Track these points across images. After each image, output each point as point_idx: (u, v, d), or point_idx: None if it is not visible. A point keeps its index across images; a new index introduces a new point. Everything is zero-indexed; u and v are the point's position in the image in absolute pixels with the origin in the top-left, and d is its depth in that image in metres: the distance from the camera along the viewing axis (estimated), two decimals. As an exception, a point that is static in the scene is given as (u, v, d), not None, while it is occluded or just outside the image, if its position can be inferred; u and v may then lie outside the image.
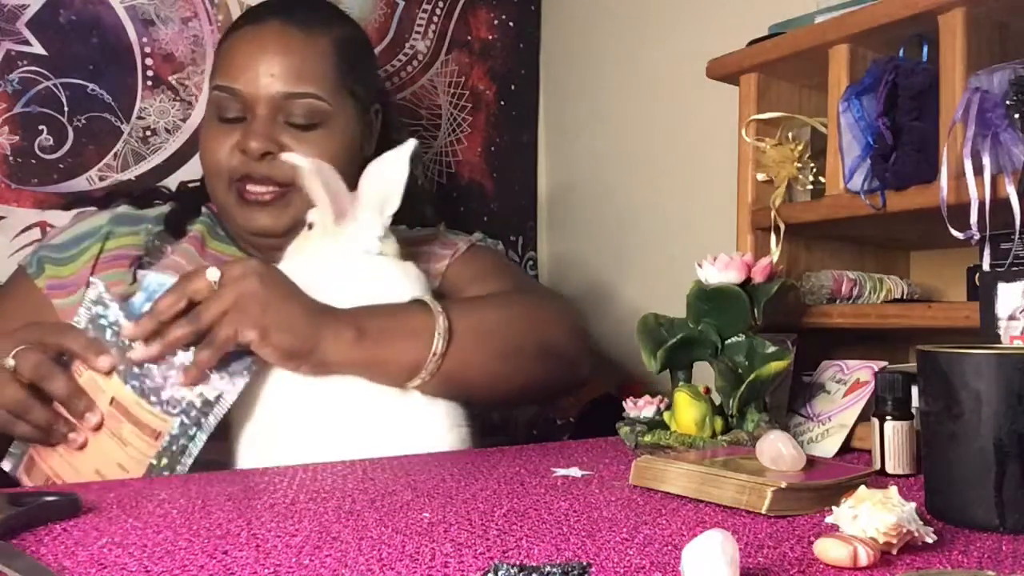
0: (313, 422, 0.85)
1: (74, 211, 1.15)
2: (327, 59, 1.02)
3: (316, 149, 0.99)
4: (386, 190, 0.92)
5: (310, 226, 0.94)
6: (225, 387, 0.80)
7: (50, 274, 1.02)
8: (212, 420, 0.80)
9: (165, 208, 1.10)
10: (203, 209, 1.11)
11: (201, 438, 0.80)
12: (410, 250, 1.10)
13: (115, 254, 1.04)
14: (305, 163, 0.88)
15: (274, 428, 0.85)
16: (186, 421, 0.79)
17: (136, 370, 0.79)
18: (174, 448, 0.79)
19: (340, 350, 0.83)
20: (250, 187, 1.00)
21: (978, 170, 0.72)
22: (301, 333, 0.81)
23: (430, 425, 0.88)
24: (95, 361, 0.78)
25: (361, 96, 1.08)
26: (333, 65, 1.02)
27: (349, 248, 0.91)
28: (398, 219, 1.20)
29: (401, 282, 0.92)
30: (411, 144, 0.93)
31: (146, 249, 1.04)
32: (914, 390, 0.69)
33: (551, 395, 0.96)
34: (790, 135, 0.94)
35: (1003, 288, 0.68)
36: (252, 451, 0.85)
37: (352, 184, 1.02)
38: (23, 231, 1.22)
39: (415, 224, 1.19)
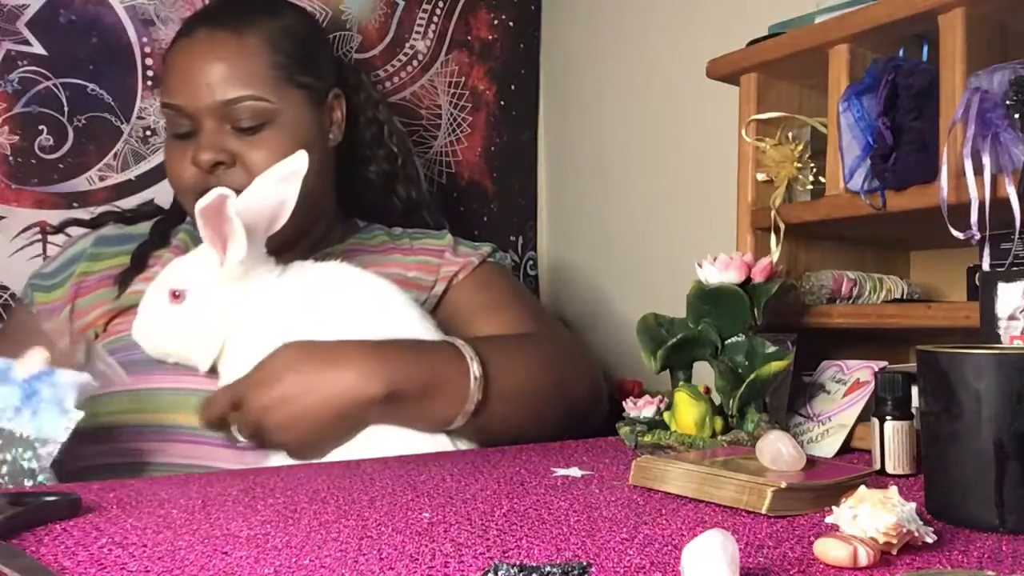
0: None
1: (67, 231, 1.18)
2: (261, 57, 0.99)
3: (267, 150, 0.97)
4: (275, 213, 0.89)
5: (176, 295, 0.87)
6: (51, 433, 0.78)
7: (39, 300, 1.05)
8: (46, 465, 0.77)
9: (156, 220, 1.11)
10: (187, 217, 1.10)
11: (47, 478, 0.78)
12: (415, 257, 1.09)
13: (101, 275, 1.05)
14: (231, 194, 0.84)
15: None
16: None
17: None
18: None
19: (371, 418, 0.84)
20: None
21: (978, 170, 0.72)
22: (317, 443, 0.83)
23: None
24: None
25: (311, 85, 1.04)
26: (269, 62, 1.00)
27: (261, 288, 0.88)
28: (397, 222, 1.20)
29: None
30: (297, 159, 0.89)
31: (132, 261, 1.05)
32: (914, 390, 0.69)
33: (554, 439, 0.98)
34: (790, 135, 0.94)
35: (1003, 288, 0.68)
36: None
37: (318, 175, 1.00)
38: (23, 231, 1.22)
39: (413, 227, 1.19)
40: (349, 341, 0.85)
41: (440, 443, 0.87)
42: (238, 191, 0.91)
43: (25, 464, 0.77)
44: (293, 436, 0.82)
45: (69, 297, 1.04)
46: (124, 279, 1.03)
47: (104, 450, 0.89)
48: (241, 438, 0.83)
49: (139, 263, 1.05)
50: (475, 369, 0.86)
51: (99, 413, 0.90)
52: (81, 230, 1.16)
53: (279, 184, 0.89)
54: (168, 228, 1.10)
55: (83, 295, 1.04)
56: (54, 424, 0.78)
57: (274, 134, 0.99)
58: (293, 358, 0.83)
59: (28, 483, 0.76)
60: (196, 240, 1.06)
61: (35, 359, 0.80)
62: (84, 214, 1.22)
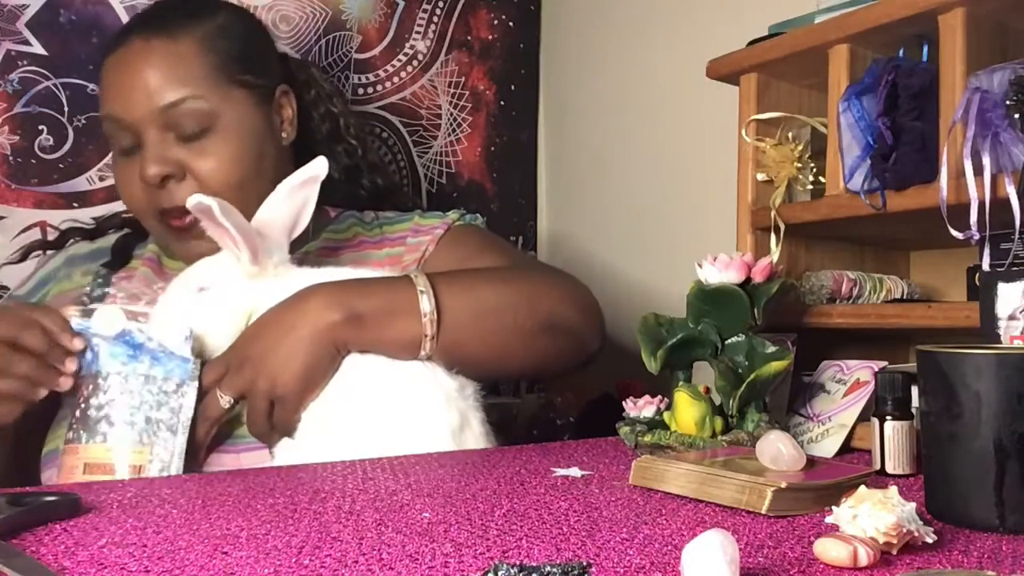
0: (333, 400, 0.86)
1: (34, 255, 1.15)
2: (198, 58, 0.95)
3: (214, 158, 0.94)
4: (295, 217, 0.91)
5: (201, 290, 0.89)
6: (180, 401, 0.82)
7: None
8: (182, 435, 0.81)
9: (118, 236, 1.09)
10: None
11: (180, 449, 0.81)
12: (384, 250, 1.07)
13: (68, 296, 1.02)
14: (213, 203, 0.83)
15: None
16: (159, 445, 0.80)
17: (96, 424, 0.80)
18: (162, 469, 0.81)
19: (340, 342, 0.85)
20: (172, 221, 0.96)
21: (978, 170, 0.72)
22: (301, 379, 0.84)
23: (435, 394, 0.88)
24: (68, 341, 0.79)
25: (254, 84, 1.00)
26: (207, 63, 0.96)
27: (271, 285, 0.89)
28: (375, 207, 1.16)
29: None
30: (317, 165, 0.91)
31: (93, 284, 1.02)
32: (914, 390, 0.69)
33: (562, 370, 0.95)
34: (790, 135, 0.94)
35: (1003, 288, 0.68)
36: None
37: (274, 176, 0.97)
38: (23, 231, 1.22)
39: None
40: (311, 285, 0.88)
41: (429, 370, 0.88)
42: None
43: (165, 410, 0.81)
44: (282, 382, 0.83)
45: None
46: (89, 300, 1.00)
47: None
48: (224, 398, 0.84)
49: (104, 281, 1.02)
50: (421, 284, 0.88)
51: None
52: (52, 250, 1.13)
53: (298, 189, 0.91)
54: (130, 243, 1.07)
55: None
56: (181, 368, 0.83)
57: (219, 138, 0.95)
58: (264, 317, 0.87)
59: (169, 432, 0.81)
60: (166, 250, 1.04)
61: (113, 314, 0.82)
62: (83, 215, 1.21)
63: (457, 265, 1.00)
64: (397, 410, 0.86)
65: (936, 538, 0.50)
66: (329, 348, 0.85)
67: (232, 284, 0.89)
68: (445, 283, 0.90)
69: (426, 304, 0.87)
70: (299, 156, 1.09)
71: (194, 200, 0.83)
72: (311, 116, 1.14)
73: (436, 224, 1.07)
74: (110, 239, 1.09)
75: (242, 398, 0.85)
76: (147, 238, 1.07)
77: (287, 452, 0.85)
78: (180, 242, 0.97)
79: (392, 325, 0.86)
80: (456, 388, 0.88)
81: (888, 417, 0.72)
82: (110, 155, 1.26)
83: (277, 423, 0.85)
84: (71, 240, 1.11)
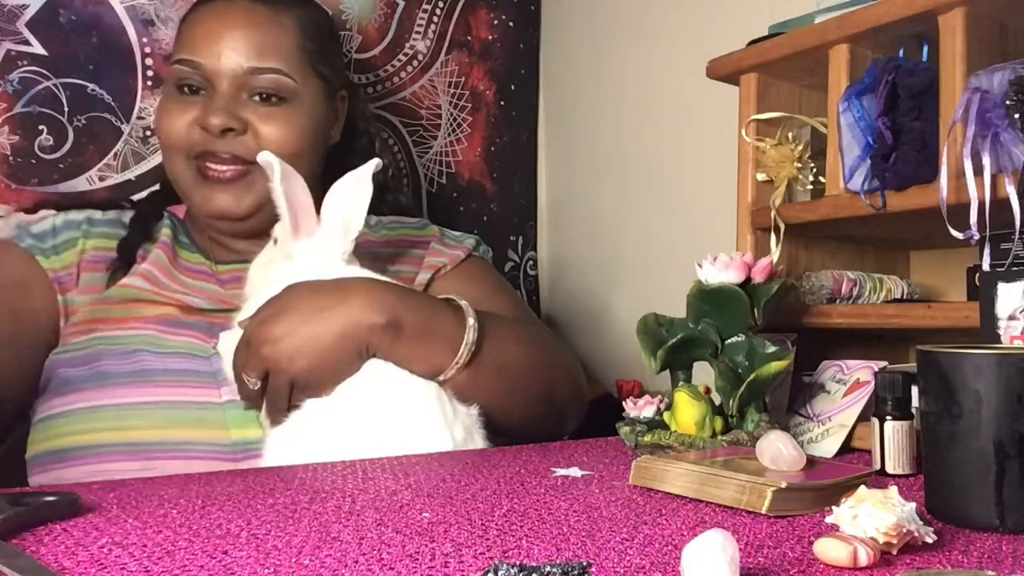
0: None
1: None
2: (292, 37, 1.01)
3: (281, 126, 0.98)
4: (348, 213, 0.91)
5: (275, 241, 0.93)
6: None
7: (44, 265, 0.98)
8: None
9: (130, 213, 1.08)
10: (164, 213, 1.08)
11: None
12: (393, 249, 1.08)
13: (93, 255, 1.00)
14: (277, 165, 0.85)
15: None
16: None
17: None
18: None
19: (373, 345, 0.85)
20: (211, 164, 0.98)
21: (978, 170, 0.72)
22: (324, 370, 0.83)
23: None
24: None
25: (327, 77, 1.06)
26: (298, 43, 1.01)
27: (307, 271, 0.89)
28: (371, 210, 1.19)
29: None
30: (373, 164, 0.92)
31: (119, 252, 1.01)
32: (914, 390, 0.69)
33: (534, 436, 0.96)
34: (790, 135, 0.94)
35: (1003, 288, 0.68)
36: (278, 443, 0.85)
37: (315, 168, 1.02)
38: (23, 231, 1.21)
39: (390, 214, 1.18)
40: (355, 277, 0.88)
41: (431, 392, 0.87)
42: (242, 160, 0.96)
43: None
44: (300, 365, 0.82)
45: (75, 273, 0.98)
46: (113, 271, 0.99)
47: (85, 472, 0.86)
48: (251, 381, 0.83)
49: (128, 256, 1.01)
50: (471, 321, 0.88)
51: (77, 431, 0.88)
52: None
53: (360, 184, 0.91)
54: (149, 222, 1.06)
55: (81, 274, 0.99)
56: None
57: (290, 111, 1.00)
58: (299, 293, 0.84)
59: None
60: (177, 238, 1.05)
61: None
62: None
63: (472, 302, 0.99)
64: (403, 418, 0.85)
65: (936, 538, 0.50)
66: (360, 348, 0.83)
67: (278, 254, 0.92)
68: (487, 323, 0.90)
69: (472, 335, 0.87)
70: (330, 165, 1.11)
71: (264, 156, 0.86)
72: (354, 130, 1.19)
73: (458, 246, 1.10)
74: (124, 214, 1.07)
75: (267, 376, 0.83)
76: (161, 220, 1.07)
77: (281, 448, 0.84)
78: (205, 190, 0.99)
79: (427, 345, 0.86)
80: (464, 409, 0.88)
81: (888, 417, 0.72)
82: (110, 155, 1.26)
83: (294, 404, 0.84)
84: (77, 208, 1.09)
